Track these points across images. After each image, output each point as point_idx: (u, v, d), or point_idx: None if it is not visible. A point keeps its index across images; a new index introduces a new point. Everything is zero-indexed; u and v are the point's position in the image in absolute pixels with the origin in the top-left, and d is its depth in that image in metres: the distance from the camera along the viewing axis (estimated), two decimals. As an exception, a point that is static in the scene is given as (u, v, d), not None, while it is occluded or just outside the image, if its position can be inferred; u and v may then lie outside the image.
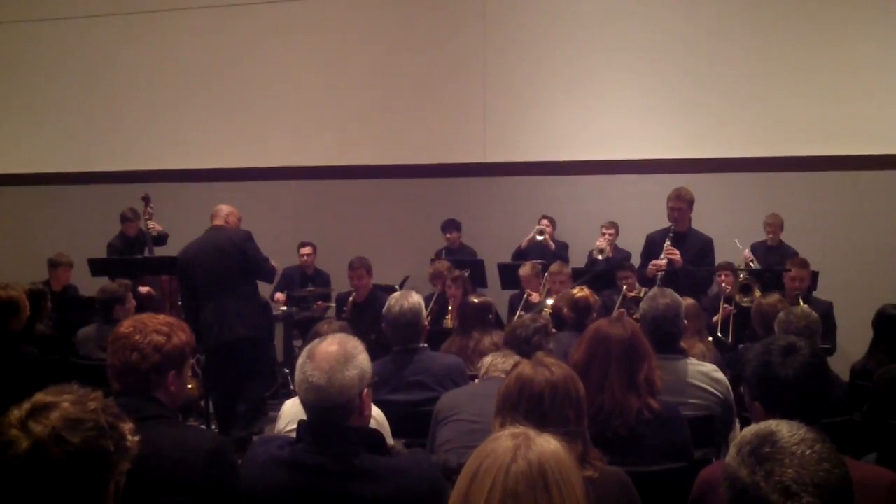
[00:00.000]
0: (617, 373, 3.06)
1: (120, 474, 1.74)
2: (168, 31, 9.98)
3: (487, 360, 3.74)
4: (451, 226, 8.95)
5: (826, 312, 6.42)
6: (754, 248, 7.89)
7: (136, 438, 1.78)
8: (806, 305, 5.29)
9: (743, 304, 6.88)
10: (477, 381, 3.90)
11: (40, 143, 10.39)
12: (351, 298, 7.53)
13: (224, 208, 6.48)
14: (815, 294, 7.05)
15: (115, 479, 1.73)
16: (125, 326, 2.62)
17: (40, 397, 1.72)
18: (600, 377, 3.05)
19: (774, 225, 7.95)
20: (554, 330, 4.72)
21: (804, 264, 6.90)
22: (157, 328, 2.59)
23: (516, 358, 3.33)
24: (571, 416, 2.39)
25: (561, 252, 8.44)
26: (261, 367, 6.37)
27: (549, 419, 2.31)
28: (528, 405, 2.38)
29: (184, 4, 9.89)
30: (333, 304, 8.09)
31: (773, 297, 5.21)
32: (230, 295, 6.09)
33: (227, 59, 9.81)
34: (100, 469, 1.68)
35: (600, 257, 8.00)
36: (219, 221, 6.41)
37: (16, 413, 1.69)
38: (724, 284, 7.29)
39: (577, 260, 8.28)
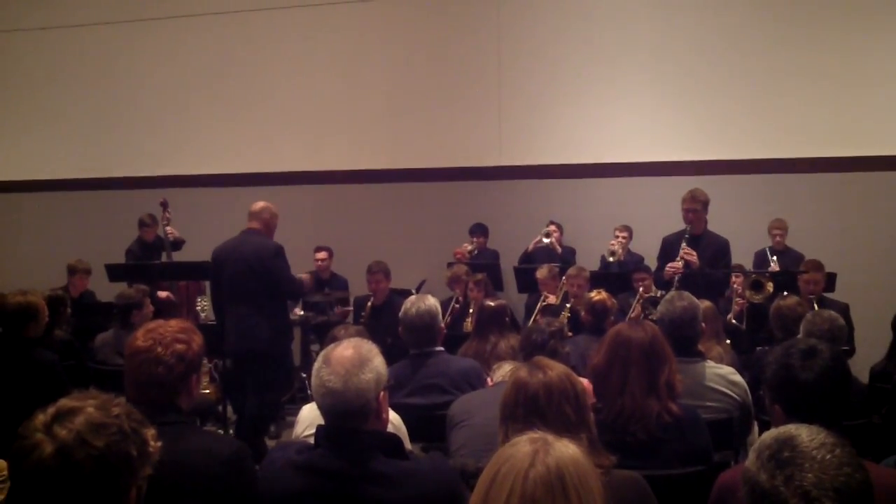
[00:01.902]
0: (637, 376, 3.03)
1: (142, 479, 1.75)
2: (185, 38, 10.03)
3: (506, 367, 3.72)
4: (479, 230, 8.99)
5: (842, 314, 6.36)
6: (761, 253, 7.95)
7: (159, 444, 1.79)
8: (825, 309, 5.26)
9: (754, 301, 6.86)
10: (490, 381, 3.89)
11: (57, 149, 10.46)
12: (369, 303, 7.54)
13: (259, 206, 6.17)
14: (832, 296, 7.00)
15: (136, 484, 1.73)
16: (142, 340, 2.56)
17: (65, 402, 1.73)
18: (620, 381, 3.03)
19: (783, 229, 8.04)
20: (570, 333, 4.70)
21: (819, 267, 6.88)
22: (176, 336, 2.57)
23: None
24: (571, 413, 2.37)
25: (568, 256, 8.43)
26: (275, 378, 6.21)
27: (548, 419, 2.30)
28: (525, 408, 2.37)
29: (200, 10, 9.94)
30: (352, 308, 8.10)
31: (793, 300, 5.19)
32: (251, 306, 5.91)
33: (244, 65, 9.86)
34: (122, 474, 1.69)
35: (612, 259, 7.98)
36: (255, 223, 6.13)
37: (41, 417, 1.70)
38: (736, 286, 7.29)
39: (591, 263, 8.24)
